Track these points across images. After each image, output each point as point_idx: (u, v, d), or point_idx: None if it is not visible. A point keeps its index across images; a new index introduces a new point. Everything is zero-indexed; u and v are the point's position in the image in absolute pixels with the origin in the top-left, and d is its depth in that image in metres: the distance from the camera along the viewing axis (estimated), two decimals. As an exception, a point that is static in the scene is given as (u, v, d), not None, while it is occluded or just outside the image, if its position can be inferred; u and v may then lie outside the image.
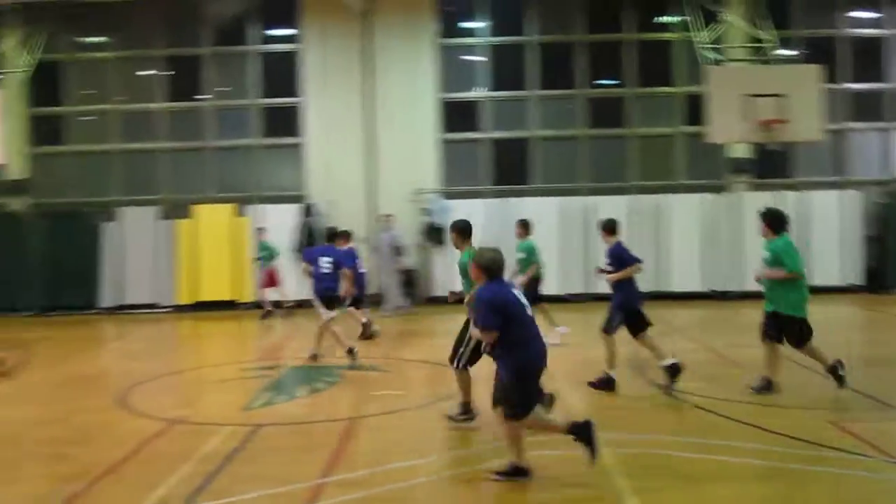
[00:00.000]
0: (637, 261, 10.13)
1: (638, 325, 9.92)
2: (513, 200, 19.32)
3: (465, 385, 8.55)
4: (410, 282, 18.79)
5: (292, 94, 20.23)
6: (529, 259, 13.00)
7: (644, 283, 10.82)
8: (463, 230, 8.78)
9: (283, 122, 20.32)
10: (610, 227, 10.59)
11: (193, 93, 20.71)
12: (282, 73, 20.31)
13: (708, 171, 20.02)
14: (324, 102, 19.94)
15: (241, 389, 10.92)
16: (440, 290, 18.74)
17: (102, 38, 20.98)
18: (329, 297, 12.29)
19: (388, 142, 19.80)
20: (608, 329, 10.01)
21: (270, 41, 20.56)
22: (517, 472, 6.75)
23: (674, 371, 9.68)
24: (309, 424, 9.00)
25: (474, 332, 7.03)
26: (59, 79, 20.73)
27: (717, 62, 18.47)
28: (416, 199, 19.62)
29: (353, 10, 19.24)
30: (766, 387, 9.30)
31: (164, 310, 19.29)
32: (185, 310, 19.18)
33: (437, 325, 17.06)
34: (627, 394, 9.58)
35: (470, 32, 20.59)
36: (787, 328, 9.20)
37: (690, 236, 19.15)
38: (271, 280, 17.94)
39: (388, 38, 19.87)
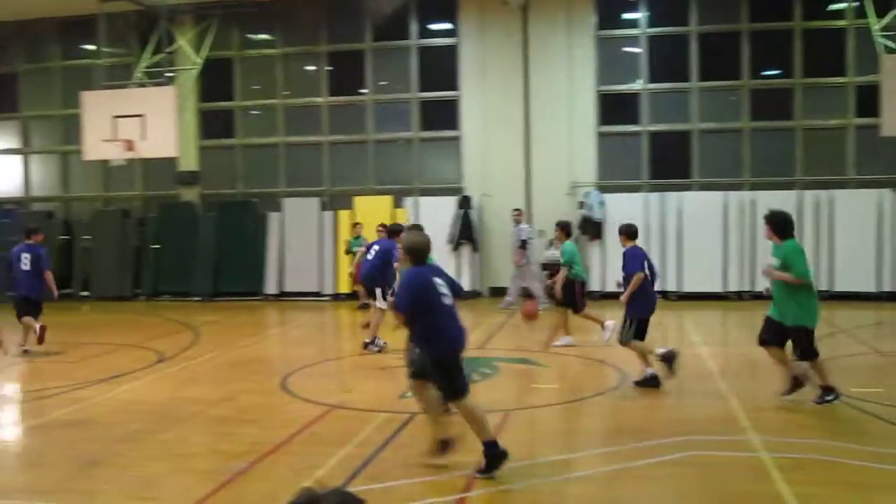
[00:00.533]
0: (642, 270, 9.81)
1: (637, 333, 9.81)
2: (671, 195, 18.91)
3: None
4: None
5: (450, 87, 20.43)
6: (567, 261, 12.57)
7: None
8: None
9: (442, 116, 20.55)
10: (625, 231, 10.31)
11: (355, 87, 21.23)
12: (440, 67, 20.54)
13: (882, 165, 18.96)
14: (481, 95, 20.05)
15: (397, 377, 11.13)
16: (596, 285, 18.55)
17: (269, 35, 21.77)
18: None
19: (545, 135, 19.72)
20: (623, 341, 9.87)
21: (429, 35, 20.83)
22: (494, 458, 6.69)
23: (668, 359, 9.55)
24: (463, 415, 9.08)
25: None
26: (227, 75, 21.66)
27: (893, 51, 17.47)
28: (572, 192, 19.47)
29: (511, 3, 19.25)
30: (792, 388, 8.83)
31: (325, 298, 19.87)
32: (343, 298, 19.70)
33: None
34: (788, 396, 9.22)
35: (629, 23, 20.23)
36: (793, 338, 8.68)
37: (861, 233, 18.17)
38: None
39: (546, 30, 19.77)
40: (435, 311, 6.75)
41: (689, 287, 18.52)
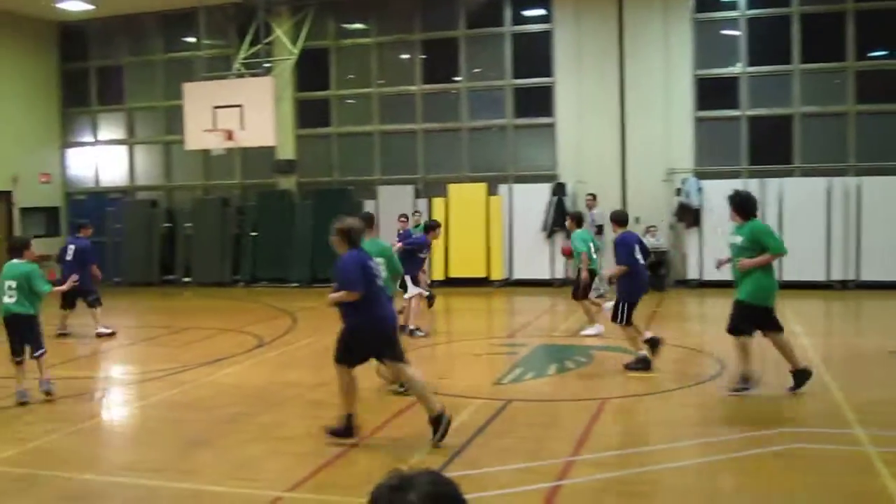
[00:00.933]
0: (628, 260, 10.28)
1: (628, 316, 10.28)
2: (772, 181, 18.38)
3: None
4: (659, 264, 18.30)
5: (545, 74, 20.27)
6: (578, 249, 12.64)
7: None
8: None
9: (536, 103, 20.41)
10: (616, 218, 10.97)
11: (449, 75, 21.26)
12: (534, 54, 20.39)
13: None
14: (576, 82, 19.82)
15: (492, 364, 11.16)
16: (692, 273, 18.22)
17: (363, 25, 21.96)
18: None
19: (641, 120, 19.39)
20: (618, 321, 10.27)
21: (523, 22, 20.69)
22: (346, 430, 7.37)
23: (653, 344, 10.20)
24: (558, 402, 9.05)
25: None
26: (323, 64, 21.94)
27: None
28: (669, 179, 19.13)
29: (607, -13, 18.98)
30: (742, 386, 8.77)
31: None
32: (436, 285, 19.75)
33: (690, 309, 16.64)
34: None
35: (727, 5, 19.71)
36: (736, 311, 8.78)
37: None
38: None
39: (642, 14, 19.41)
40: (371, 291, 7.38)
41: (789, 276, 17.99)
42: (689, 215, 18.51)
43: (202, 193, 22.95)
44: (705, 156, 19.44)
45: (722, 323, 9.22)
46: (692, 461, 6.90)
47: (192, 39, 22.63)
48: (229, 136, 18.50)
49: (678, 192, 18.82)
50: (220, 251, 21.68)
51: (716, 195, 17.69)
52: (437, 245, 19.86)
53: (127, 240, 22.36)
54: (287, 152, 21.79)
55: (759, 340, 8.97)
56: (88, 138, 24.18)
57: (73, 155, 24.29)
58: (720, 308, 10.13)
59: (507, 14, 20.53)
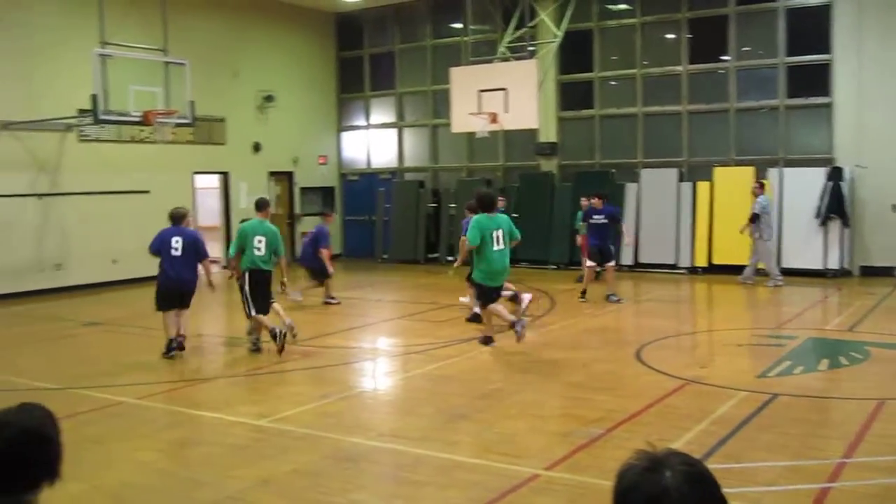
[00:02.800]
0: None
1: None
2: None
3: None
4: None
5: (822, 51, 19.03)
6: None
7: None
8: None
9: (811, 82, 19.17)
10: (469, 206, 12.73)
11: (716, 54, 20.48)
12: (810, 30, 19.17)
13: None
14: (856, 59, 18.43)
15: (756, 356, 10.70)
16: None
17: (627, 5, 21.59)
18: None
19: (932, 99, 17.77)
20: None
21: (800, -4, 19.53)
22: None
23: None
24: (829, 399, 8.56)
25: None
26: (586, 46, 21.80)
27: None
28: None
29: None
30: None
31: (680, 270, 19.45)
32: (699, 272, 19.20)
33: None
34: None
35: None
36: None
37: None
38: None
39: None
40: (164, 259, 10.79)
41: None
42: None
43: (466, 175, 23.57)
44: None
45: None
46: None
47: (458, 25, 23.25)
48: (493, 118, 18.84)
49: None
50: (482, 231, 22.14)
51: None
52: (701, 231, 19.30)
53: (395, 219, 23.42)
54: (549, 135, 21.90)
55: None
56: (361, 122, 25.51)
57: (347, 138, 25.75)
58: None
59: (783, -12, 19.43)
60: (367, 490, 6.36)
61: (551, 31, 20.68)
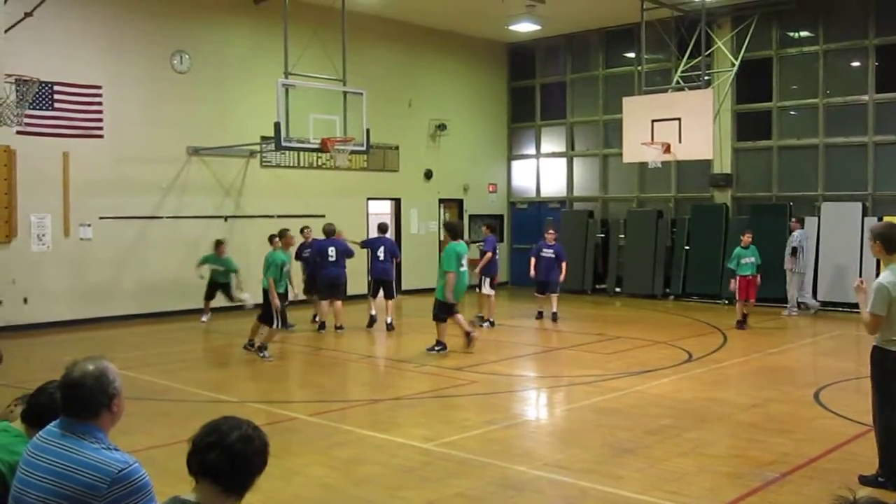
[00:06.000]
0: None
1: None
2: None
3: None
4: None
5: None
6: None
7: None
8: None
9: None
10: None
11: (905, 83, 19.44)
12: None
13: None
14: None
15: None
16: None
17: (809, 32, 20.82)
18: None
19: None
20: None
21: None
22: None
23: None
24: None
25: None
26: (765, 75, 21.12)
27: None
28: None
29: None
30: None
31: (855, 309, 18.38)
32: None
33: None
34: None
35: None
36: None
37: None
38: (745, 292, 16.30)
39: None
40: None
41: None
42: None
43: (636, 205, 23.26)
44: None
45: None
46: None
47: (631, 55, 23.06)
48: (667, 149, 18.55)
49: None
50: (652, 263, 21.79)
51: None
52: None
53: (564, 248, 23.28)
54: (724, 165, 21.35)
55: None
56: (531, 151, 25.64)
57: (517, 166, 25.94)
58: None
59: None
60: (531, 520, 6.34)
61: (728, 59, 20.21)
